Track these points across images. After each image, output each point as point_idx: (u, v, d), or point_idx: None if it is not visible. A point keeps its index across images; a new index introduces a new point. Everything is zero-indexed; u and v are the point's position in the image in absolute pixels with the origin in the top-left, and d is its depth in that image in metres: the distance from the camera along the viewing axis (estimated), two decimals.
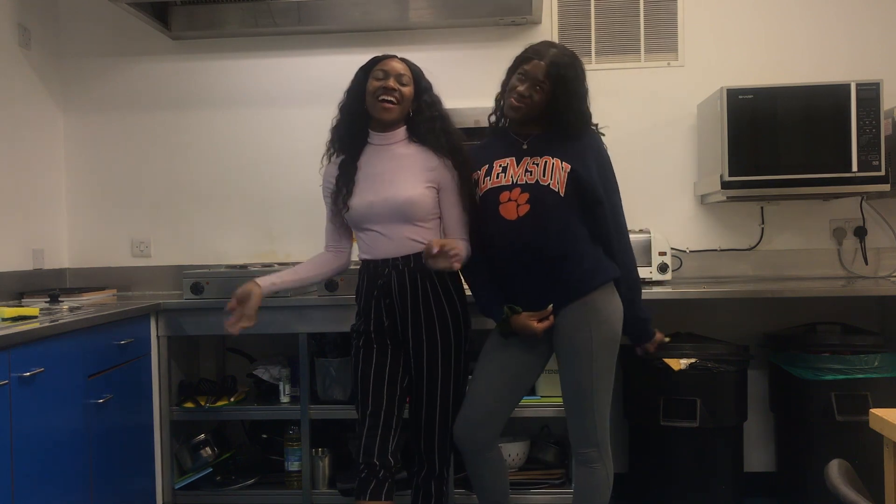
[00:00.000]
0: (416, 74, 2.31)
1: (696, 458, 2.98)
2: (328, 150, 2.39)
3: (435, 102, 2.33)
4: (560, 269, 2.24)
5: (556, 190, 2.21)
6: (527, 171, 2.25)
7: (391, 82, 2.25)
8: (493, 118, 2.42)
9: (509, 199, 2.25)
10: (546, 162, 2.24)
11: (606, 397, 2.29)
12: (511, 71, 2.32)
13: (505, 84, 2.34)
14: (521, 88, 2.24)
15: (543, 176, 2.23)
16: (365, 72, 2.31)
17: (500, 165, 2.30)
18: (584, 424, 2.27)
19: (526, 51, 2.30)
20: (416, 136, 2.32)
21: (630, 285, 2.32)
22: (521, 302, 2.29)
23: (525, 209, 2.23)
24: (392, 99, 2.25)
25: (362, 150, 2.34)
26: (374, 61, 2.31)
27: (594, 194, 2.24)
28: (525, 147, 2.30)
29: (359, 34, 3.50)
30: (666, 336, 2.48)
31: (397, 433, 2.28)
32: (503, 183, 2.27)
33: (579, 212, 2.24)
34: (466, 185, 2.31)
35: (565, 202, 2.22)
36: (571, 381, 2.28)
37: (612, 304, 2.28)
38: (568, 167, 2.22)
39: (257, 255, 3.59)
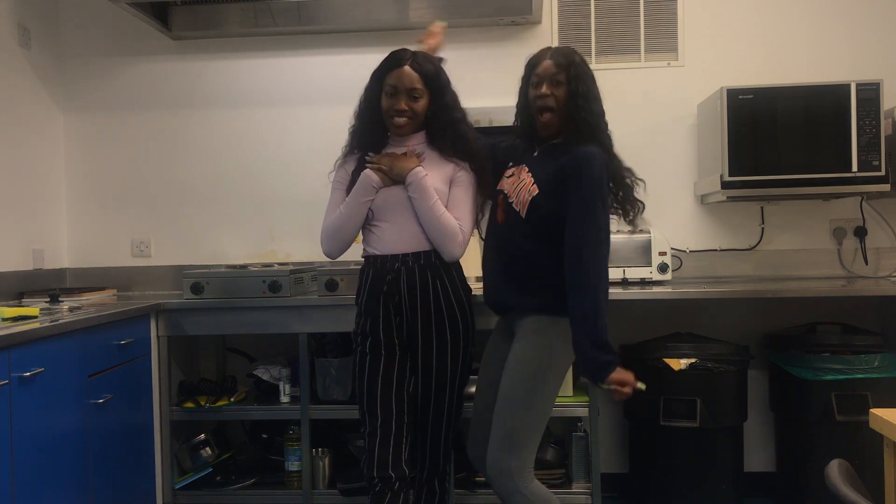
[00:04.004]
0: (431, 78, 2.26)
1: (696, 458, 2.99)
2: (346, 152, 2.38)
3: (450, 106, 2.30)
4: (517, 281, 2.23)
5: (518, 211, 2.22)
6: (514, 185, 2.26)
7: (402, 103, 2.23)
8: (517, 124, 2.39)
9: (498, 205, 2.30)
10: (525, 181, 2.23)
11: (536, 420, 2.17)
12: (524, 84, 2.30)
13: (523, 98, 2.31)
14: (541, 91, 2.21)
15: (518, 194, 2.23)
16: (377, 80, 2.28)
17: (510, 171, 2.32)
18: (503, 440, 2.13)
19: (530, 60, 2.29)
20: (432, 142, 2.32)
21: (577, 326, 2.07)
22: (485, 297, 2.35)
23: (503, 219, 2.27)
24: (404, 119, 2.26)
25: (383, 147, 2.34)
26: (387, 68, 2.26)
27: (555, 222, 2.14)
28: (535, 154, 2.29)
29: (359, 34, 3.51)
30: (640, 383, 2.10)
31: (409, 441, 2.26)
32: (503, 188, 2.30)
33: (545, 237, 2.18)
34: (480, 188, 2.32)
35: (527, 223, 2.20)
36: (505, 387, 2.19)
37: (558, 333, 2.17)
38: (535, 191, 2.19)
39: (257, 255, 3.59)
